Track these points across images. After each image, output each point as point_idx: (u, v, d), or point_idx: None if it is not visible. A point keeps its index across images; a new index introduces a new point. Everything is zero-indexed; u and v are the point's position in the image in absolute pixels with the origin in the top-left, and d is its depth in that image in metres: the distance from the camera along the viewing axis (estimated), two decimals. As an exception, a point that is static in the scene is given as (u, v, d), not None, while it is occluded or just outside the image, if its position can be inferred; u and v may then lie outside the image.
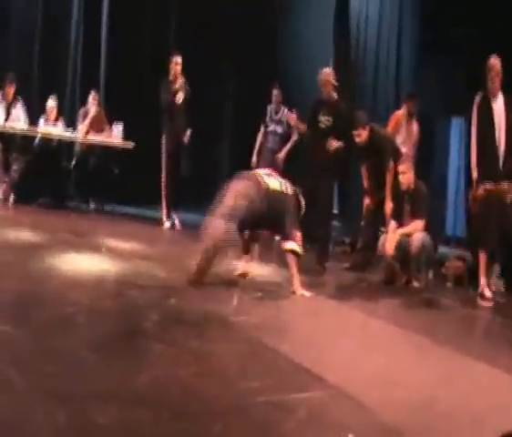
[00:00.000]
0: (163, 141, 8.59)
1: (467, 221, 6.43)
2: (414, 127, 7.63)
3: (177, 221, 8.63)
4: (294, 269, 5.14)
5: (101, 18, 10.27)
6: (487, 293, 5.97)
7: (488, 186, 5.95)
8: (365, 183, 7.11)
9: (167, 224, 8.58)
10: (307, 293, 5.09)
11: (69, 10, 10.22)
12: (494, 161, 5.97)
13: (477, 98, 6.13)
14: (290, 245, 5.12)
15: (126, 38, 10.06)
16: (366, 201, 7.04)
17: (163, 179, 8.61)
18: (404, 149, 7.20)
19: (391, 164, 6.68)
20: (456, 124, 10.80)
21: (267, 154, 9.05)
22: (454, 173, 10.64)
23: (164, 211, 8.65)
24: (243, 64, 11.17)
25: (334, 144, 6.78)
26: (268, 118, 9.20)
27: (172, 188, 8.60)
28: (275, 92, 9.14)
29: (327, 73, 7.15)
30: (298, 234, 5.20)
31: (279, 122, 9.10)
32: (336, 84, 7.14)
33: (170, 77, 8.61)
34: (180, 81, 8.61)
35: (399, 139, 7.38)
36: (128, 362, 3.05)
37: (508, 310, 5.86)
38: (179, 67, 8.59)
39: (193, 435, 2.40)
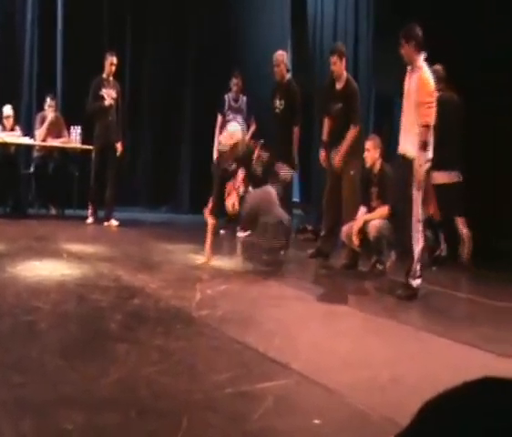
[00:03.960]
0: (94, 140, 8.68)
1: None
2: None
3: (114, 221, 8.59)
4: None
5: (56, 22, 10.13)
6: None
7: None
8: (324, 134, 6.78)
9: (89, 220, 8.57)
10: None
11: (23, 15, 10.02)
12: None
13: None
14: None
15: (81, 41, 9.93)
16: (322, 153, 6.71)
17: (91, 177, 8.68)
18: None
19: (356, 122, 6.45)
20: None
21: None
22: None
23: (89, 208, 8.65)
24: (201, 53, 11.13)
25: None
26: (226, 107, 8.69)
27: (98, 187, 8.65)
28: (235, 80, 8.65)
29: (281, 54, 7.20)
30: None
31: (238, 110, 8.66)
32: (289, 66, 7.25)
33: (104, 75, 8.64)
34: (112, 80, 8.66)
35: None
36: (94, 365, 3.04)
37: (471, 287, 5.97)
38: (113, 67, 8.64)
39: (162, 433, 2.40)
